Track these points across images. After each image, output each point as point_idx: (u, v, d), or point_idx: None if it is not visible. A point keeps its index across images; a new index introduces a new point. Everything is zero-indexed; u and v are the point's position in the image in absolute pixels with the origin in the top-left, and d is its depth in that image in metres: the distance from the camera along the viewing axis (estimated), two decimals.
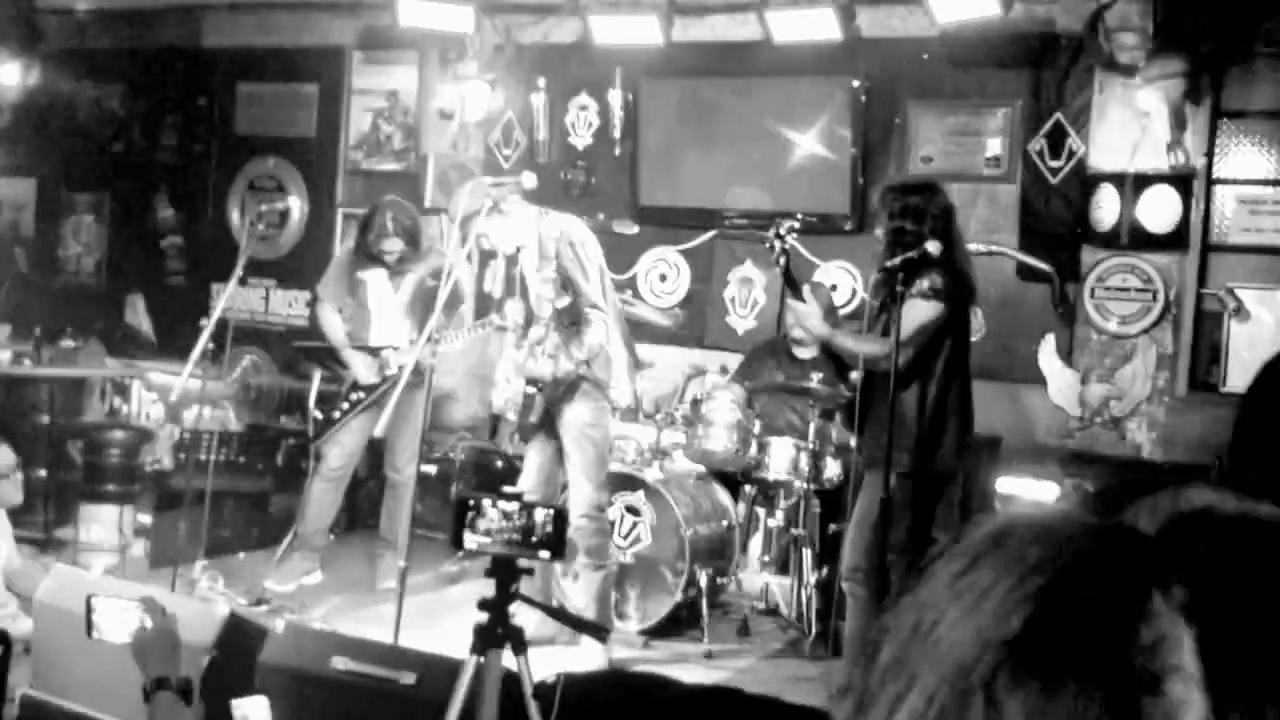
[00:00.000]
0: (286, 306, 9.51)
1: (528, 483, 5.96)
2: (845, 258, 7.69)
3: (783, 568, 6.60)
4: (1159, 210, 6.92)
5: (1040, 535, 0.70)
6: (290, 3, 9.46)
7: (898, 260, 5.17)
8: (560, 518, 3.64)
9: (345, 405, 6.82)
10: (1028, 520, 0.72)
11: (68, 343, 8.73)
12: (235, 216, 9.79)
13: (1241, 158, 6.95)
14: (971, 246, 6.03)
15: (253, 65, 9.87)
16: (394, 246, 6.80)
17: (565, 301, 5.84)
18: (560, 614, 3.93)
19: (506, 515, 3.62)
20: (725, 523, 6.58)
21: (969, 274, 5.40)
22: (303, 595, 6.60)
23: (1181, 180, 6.89)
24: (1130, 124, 6.95)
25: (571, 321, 5.84)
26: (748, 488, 6.63)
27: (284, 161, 9.64)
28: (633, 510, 6.35)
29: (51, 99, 10.23)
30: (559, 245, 5.85)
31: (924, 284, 5.18)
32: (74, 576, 4.46)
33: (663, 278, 8.39)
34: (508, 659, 3.65)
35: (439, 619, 5.94)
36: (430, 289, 6.57)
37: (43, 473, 7.64)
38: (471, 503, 3.63)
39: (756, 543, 6.67)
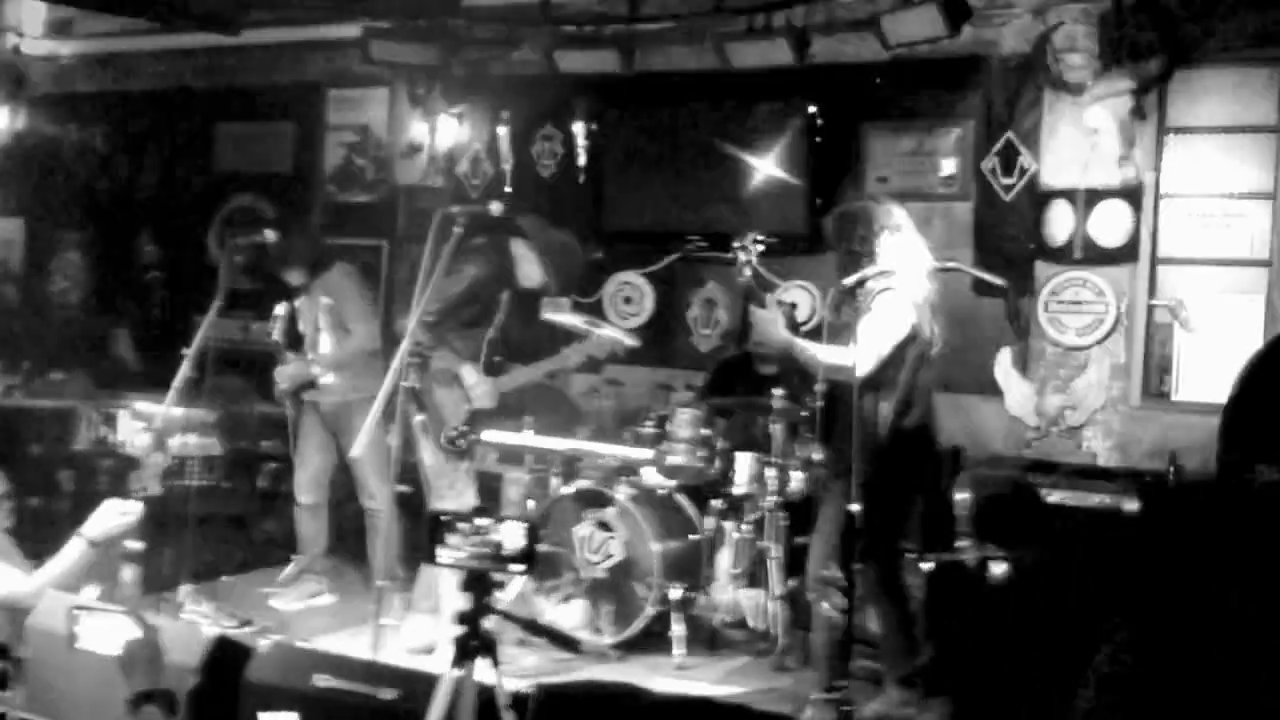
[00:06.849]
0: (266, 336, 9.65)
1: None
2: (804, 277, 7.88)
3: (752, 580, 6.58)
4: (1110, 225, 7.05)
5: None
6: (265, 44, 9.65)
7: (851, 280, 5.38)
8: (533, 531, 3.77)
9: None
10: None
11: (56, 375, 8.91)
12: (215, 250, 9.93)
13: (1189, 172, 7.09)
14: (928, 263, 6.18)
15: (231, 104, 10.05)
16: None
17: None
18: (534, 626, 4.09)
19: (479, 530, 3.75)
20: (694, 537, 6.64)
21: (924, 288, 5.50)
22: (289, 617, 6.76)
23: (1131, 195, 7.03)
24: (1079, 141, 7.08)
25: None
26: (715, 502, 6.67)
27: (263, 197, 9.81)
28: (604, 526, 6.43)
29: (37, 141, 10.44)
30: None
31: (880, 299, 5.37)
32: (63, 599, 4.56)
33: (628, 300, 8.62)
34: (485, 672, 3.75)
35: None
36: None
37: (35, 501, 7.80)
38: (444, 518, 3.80)
39: (725, 556, 6.64)
